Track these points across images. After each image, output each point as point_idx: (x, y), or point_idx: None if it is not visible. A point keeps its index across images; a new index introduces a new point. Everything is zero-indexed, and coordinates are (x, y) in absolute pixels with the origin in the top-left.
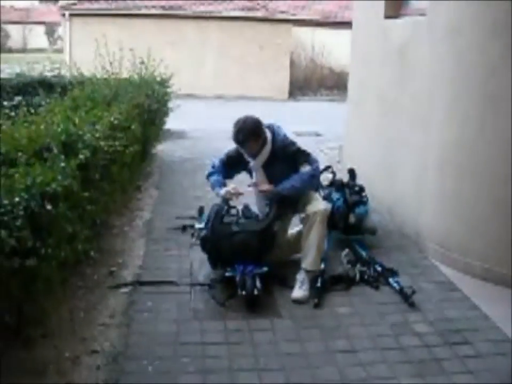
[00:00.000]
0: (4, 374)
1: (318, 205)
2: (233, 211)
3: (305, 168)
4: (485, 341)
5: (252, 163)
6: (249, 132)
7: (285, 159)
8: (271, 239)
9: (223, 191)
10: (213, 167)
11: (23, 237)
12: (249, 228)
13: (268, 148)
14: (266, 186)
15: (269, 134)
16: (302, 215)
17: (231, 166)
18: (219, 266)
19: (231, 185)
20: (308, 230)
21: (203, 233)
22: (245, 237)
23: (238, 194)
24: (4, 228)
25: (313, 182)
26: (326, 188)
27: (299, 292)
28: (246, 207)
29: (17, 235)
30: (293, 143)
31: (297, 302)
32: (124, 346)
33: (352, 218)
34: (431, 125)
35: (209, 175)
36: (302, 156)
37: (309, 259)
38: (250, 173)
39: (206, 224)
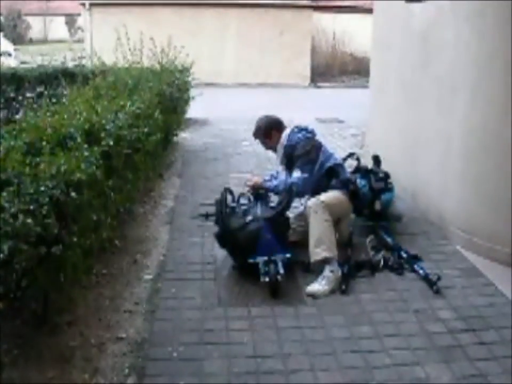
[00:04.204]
0: (32, 360)
1: (313, 198)
2: (243, 200)
3: (296, 174)
4: (509, 327)
5: (276, 156)
6: (257, 129)
7: (295, 160)
8: (285, 225)
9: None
10: None
11: (49, 225)
12: (261, 215)
13: (281, 147)
14: (255, 179)
15: (284, 135)
16: None
17: None
18: (239, 258)
19: (255, 178)
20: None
21: (217, 231)
22: (261, 225)
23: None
24: (30, 216)
25: (294, 188)
26: (351, 174)
27: (313, 285)
28: (258, 194)
29: (42, 223)
30: (300, 148)
31: (311, 296)
32: (149, 333)
33: (377, 205)
34: (455, 109)
35: None
36: (300, 162)
37: (310, 250)
38: None
39: (216, 221)
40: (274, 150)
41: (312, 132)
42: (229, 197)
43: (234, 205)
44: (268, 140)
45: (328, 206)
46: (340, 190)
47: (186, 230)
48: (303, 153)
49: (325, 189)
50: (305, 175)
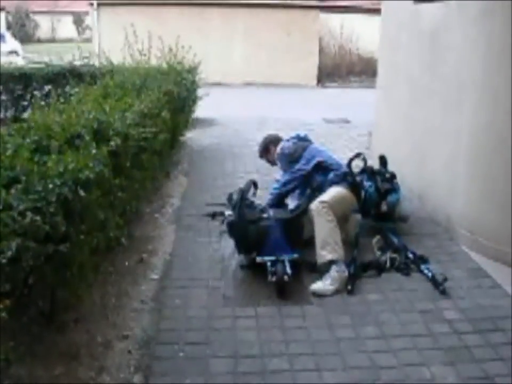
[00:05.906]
0: (38, 357)
1: (315, 201)
2: (258, 201)
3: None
4: None
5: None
6: (258, 150)
7: (281, 163)
8: (298, 229)
9: None
10: None
11: (57, 223)
12: (278, 215)
13: (277, 158)
14: None
15: (279, 147)
16: None
17: None
18: (245, 252)
19: None
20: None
21: (230, 218)
22: (273, 224)
23: None
24: (38, 213)
25: (278, 190)
26: (357, 175)
27: (317, 283)
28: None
29: (50, 221)
30: (285, 152)
31: (315, 294)
32: (155, 332)
33: (384, 206)
34: (462, 110)
35: None
36: (284, 164)
37: (317, 252)
38: None
39: (233, 208)
40: (274, 164)
41: (299, 137)
42: (251, 191)
43: (254, 199)
44: (268, 156)
45: (330, 206)
46: (339, 185)
47: (193, 229)
48: (287, 155)
49: (322, 185)
50: (286, 176)
